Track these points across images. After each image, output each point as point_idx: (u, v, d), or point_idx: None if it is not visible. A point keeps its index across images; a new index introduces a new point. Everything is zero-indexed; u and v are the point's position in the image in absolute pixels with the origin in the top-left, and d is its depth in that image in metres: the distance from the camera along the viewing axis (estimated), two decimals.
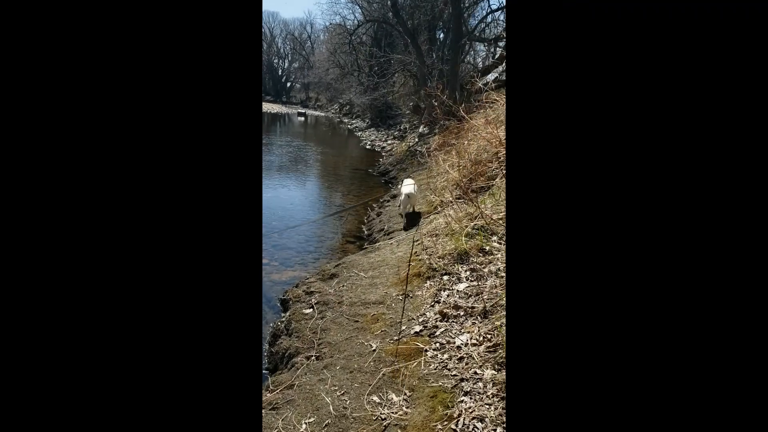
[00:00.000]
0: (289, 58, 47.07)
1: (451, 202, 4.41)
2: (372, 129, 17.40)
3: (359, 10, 17.97)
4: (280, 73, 47.44)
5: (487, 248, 2.63)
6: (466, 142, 5.29)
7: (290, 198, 6.46)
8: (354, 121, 22.04)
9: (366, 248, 3.73)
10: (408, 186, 4.41)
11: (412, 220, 4.28)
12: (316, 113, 30.41)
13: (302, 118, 24.88)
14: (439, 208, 4.40)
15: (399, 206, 4.48)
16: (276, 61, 47.38)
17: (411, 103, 13.22)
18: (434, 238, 3.12)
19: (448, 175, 4.74)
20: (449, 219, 3.22)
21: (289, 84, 47.22)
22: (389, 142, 13.47)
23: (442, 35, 14.76)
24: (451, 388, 1.68)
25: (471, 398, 1.58)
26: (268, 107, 31.88)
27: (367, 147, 13.33)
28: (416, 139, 10.27)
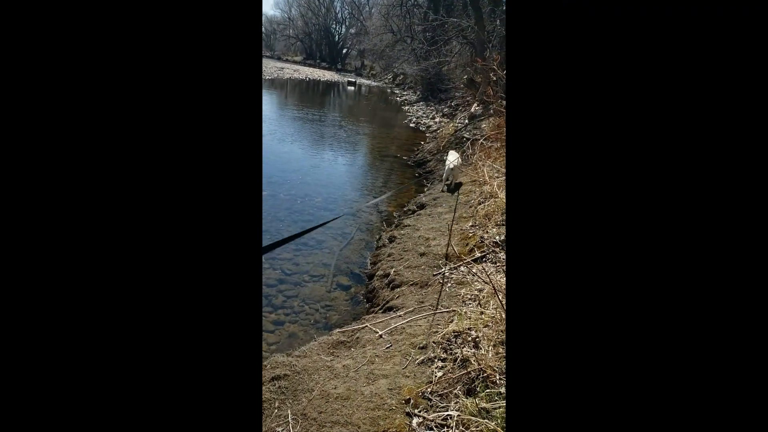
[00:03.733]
0: (347, 23, 45.35)
1: (498, 246, 2.81)
2: (422, 103, 15.63)
3: None
4: (336, 39, 45.98)
5: None
6: None
7: (289, 200, 5.11)
8: (405, 93, 20.35)
9: (345, 334, 2.26)
10: (452, 157, 4.83)
11: (453, 190, 4.56)
12: (369, 82, 28.85)
13: (352, 88, 23.49)
14: (477, 253, 2.82)
15: (443, 176, 4.85)
16: (333, 26, 45.89)
17: (465, 76, 11.25)
18: (452, 370, 1.58)
19: (497, 198, 3.11)
20: (489, 323, 1.66)
21: (345, 51, 45.66)
22: (437, 120, 11.68)
23: None
24: None
25: None
26: (320, 74, 30.83)
27: (411, 125, 11.64)
28: (465, 121, 8.47)
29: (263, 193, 5.05)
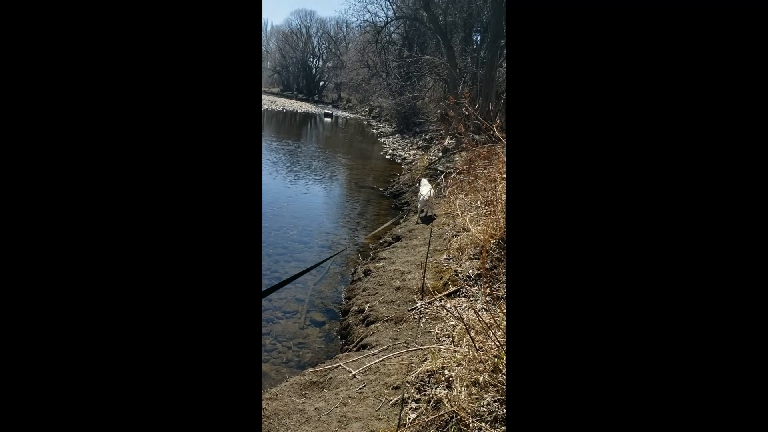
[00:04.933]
0: (324, 57, 46.47)
1: (471, 280, 2.84)
2: (397, 135, 15.99)
3: (391, 8, 16.61)
4: (313, 72, 46.93)
5: None
6: (498, 176, 3.70)
7: (263, 233, 5.04)
8: (381, 125, 20.80)
9: (318, 374, 2.21)
10: (425, 188, 4.94)
11: (428, 221, 4.66)
12: (345, 114, 29.41)
13: (329, 119, 23.84)
14: (451, 287, 2.84)
15: (418, 207, 5.00)
16: (311, 59, 46.92)
17: (438, 111, 11.63)
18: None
19: (469, 232, 3.17)
20: (463, 361, 1.66)
21: (322, 83, 46.56)
22: (412, 152, 11.95)
23: (479, 38, 13.17)
24: None
25: None
26: (297, 105, 31.21)
27: (387, 157, 11.84)
28: (439, 155, 8.69)
29: None
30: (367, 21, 17.12)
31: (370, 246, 4.75)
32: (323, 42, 45.87)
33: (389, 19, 15.67)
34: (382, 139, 15.52)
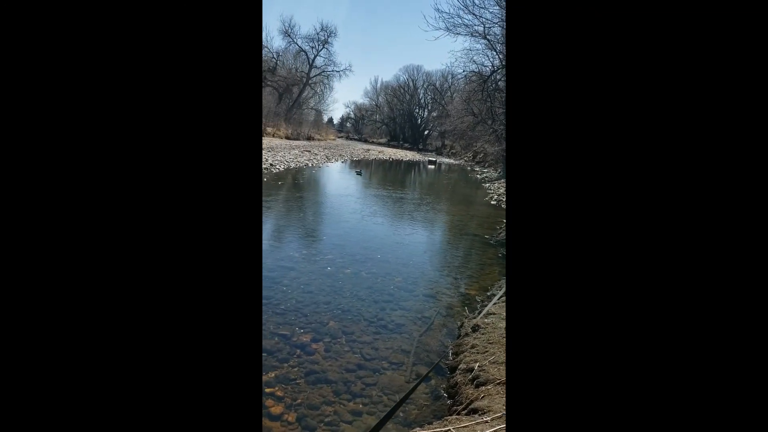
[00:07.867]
0: (429, 108, 48.63)
1: None
2: (502, 180, 15.62)
3: (497, 57, 16.83)
4: (419, 122, 49.21)
5: None
6: None
7: (370, 278, 5.19)
8: (485, 171, 20.67)
9: None
10: None
11: None
12: (449, 161, 29.95)
13: (432, 166, 24.46)
14: None
15: None
16: (416, 110, 49.46)
17: None
18: None
19: None
20: None
21: (426, 132, 48.48)
22: None
23: None
24: None
25: None
26: (402, 154, 32.74)
27: (492, 202, 11.56)
28: None
29: (347, 270, 5.22)
30: (473, 71, 17.54)
31: (477, 298, 4.57)
32: (429, 93, 48.18)
33: (495, 68, 15.85)
34: (487, 185, 15.28)
